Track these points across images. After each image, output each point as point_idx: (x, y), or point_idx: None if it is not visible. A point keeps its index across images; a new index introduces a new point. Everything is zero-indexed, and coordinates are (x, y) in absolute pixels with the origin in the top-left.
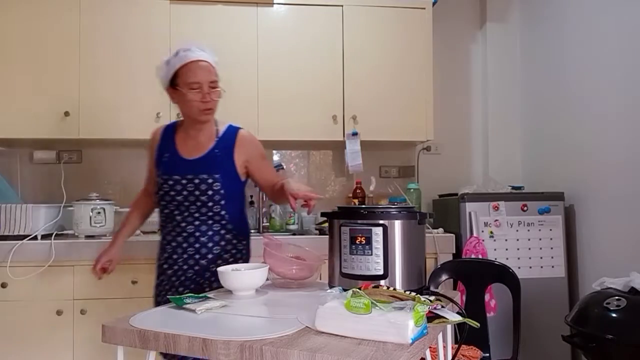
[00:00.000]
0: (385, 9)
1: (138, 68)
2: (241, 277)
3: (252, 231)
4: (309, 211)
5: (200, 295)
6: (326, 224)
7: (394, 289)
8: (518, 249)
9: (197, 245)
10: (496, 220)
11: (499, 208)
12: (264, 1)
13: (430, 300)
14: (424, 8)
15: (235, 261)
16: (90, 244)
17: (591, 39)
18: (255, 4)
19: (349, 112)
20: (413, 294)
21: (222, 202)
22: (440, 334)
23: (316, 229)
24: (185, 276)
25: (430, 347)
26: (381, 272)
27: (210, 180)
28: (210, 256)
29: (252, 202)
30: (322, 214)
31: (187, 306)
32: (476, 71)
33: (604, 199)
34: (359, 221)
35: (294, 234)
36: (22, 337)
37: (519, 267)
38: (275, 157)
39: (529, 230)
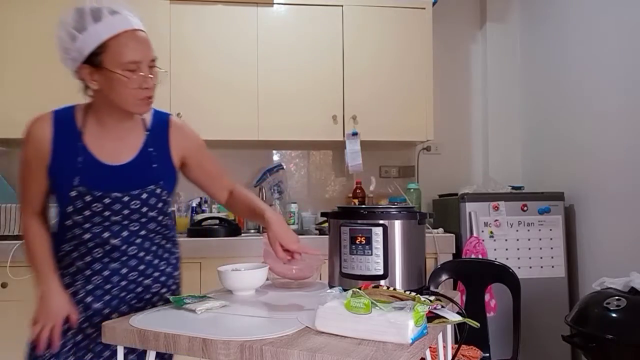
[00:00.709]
0: (385, 9)
1: None
2: (241, 277)
3: (252, 231)
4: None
5: (200, 295)
6: (326, 224)
7: (394, 289)
8: (518, 249)
9: (141, 267)
10: (496, 220)
11: (499, 208)
12: (264, 1)
13: (430, 300)
14: (424, 8)
15: (175, 270)
16: None
17: (591, 38)
18: (255, 4)
19: (349, 112)
20: (413, 294)
21: (169, 211)
22: (440, 334)
23: (316, 229)
24: (122, 303)
25: (430, 347)
26: (381, 272)
27: (158, 191)
28: (156, 274)
29: None
30: (322, 214)
31: (187, 306)
32: (476, 71)
33: (604, 199)
34: (359, 221)
35: None
36: (22, 337)
37: (519, 267)
38: (275, 157)
39: (529, 230)
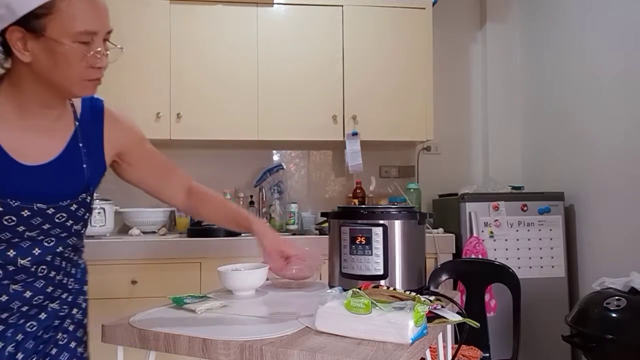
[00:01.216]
0: (385, 9)
1: (138, 68)
2: (241, 277)
3: None
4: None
5: (200, 295)
6: (326, 224)
7: (394, 289)
8: (518, 249)
9: (49, 290)
10: (496, 220)
11: (499, 208)
12: (264, 1)
13: (430, 300)
14: (424, 8)
15: (83, 284)
16: (90, 244)
17: (591, 38)
18: (255, 4)
19: (349, 112)
20: (413, 294)
21: (89, 220)
22: (440, 334)
23: (316, 229)
24: (22, 333)
25: (430, 347)
26: (381, 272)
27: (89, 199)
28: (64, 295)
29: (251, 202)
30: (322, 214)
31: (187, 306)
32: (476, 71)
33: (604, 199)
34: (359, 221)
35: (294, 234)
36: None
37: (519, 267)
38: (275, 157)
39: (529, 230)
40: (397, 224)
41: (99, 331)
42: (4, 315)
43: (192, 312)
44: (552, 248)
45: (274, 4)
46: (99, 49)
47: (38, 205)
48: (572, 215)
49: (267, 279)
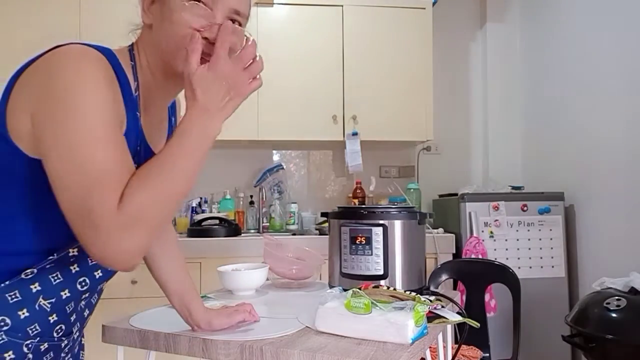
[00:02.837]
0: (385, 9)
1: None
2: (241, 277)
3: (252, 231)
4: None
5: (200, 295)
6: (326, 224)
7: (394, 289)
8: (518, 249)
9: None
10: (496, 220)
11: (499, 208)
12: (264, 1)
13: (430, 300)
14: (424, 8)
15: None
16: None
17: (591, 38)
18: (255, 4)
19: (349, 112)
20: (413, 294)
21: None
22: (440, 334)
23: (316, 229)
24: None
25: (430, 347)
26: (381, 272)
27: None
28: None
29: (252, 202)
30: (322, 214)
31: None
32: (476, 71)
33: (604, 199)
34: (359, 221)
35: (294, 234)
36: None
37: (519, 267)
38: (275, 157)
39: (529, 230)
40: (397, 224)
41: (99, 331)
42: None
43: None
44: (552, 248)
45: (274, 4)
46: (215, 17)
47: None
48: (572, 215)
49: (267, 279)
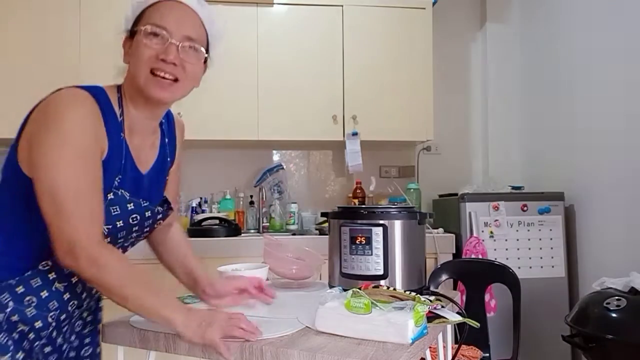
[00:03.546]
0: (385, 9)
1: None
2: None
3: (252, 231)
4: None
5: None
6: (326, 224)
7: (394, 289)
8: (518, 249)
9: None
10: (496, 220)
11: (499, 208)
12: (264, 1)
13: (430, 300)
14: (424, 8)
15: None
16: None
17: (591, 38)
18: (255, 4)
19: (349, 112)
20: (413, 294)
21: None
22: (440, 334)
23: (316, 229)
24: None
25: (430, 347)
26: (381, 272)
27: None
28: None
29: (252, 202)
30: (322, 214)
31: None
32: (476, 71)
33: (604, 199)
34: (359, 221)
35: (294, 234)
36: None
37: (519, 267)
38: (275, 157)
39: (529, 230)
40: (397, 224)
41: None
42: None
43: None
44: (552, 248)
45: (274, 4)
46: (169, 41)
47: (157, 207)
48: (572, 215)
49: (267, 279)
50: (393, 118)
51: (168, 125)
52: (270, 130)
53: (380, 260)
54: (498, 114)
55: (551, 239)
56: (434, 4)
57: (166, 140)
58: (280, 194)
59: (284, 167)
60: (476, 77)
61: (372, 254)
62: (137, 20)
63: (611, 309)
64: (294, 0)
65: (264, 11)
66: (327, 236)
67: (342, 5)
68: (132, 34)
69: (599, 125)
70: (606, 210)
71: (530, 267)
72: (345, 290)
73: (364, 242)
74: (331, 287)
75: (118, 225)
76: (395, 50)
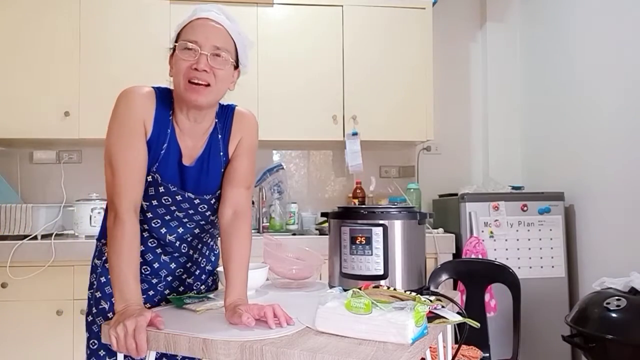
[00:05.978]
0: (385, 9)
1: (139, 68)
2: None
3: (252, 231)
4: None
5: (201, 295)
6: (326, 224)
7: (394, 289)
8: (518, 249)
9: (188, 265)
10: (496, 220)
11: (499, 208)
12: (264, 1)
13: (431, 300)
14: (424, 8)
15: (214, 267)
16: (90, 244)
17: (591, 38)
18: (255, 4)
19: (349, 112)
20: (413, 294)
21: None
22: (440, 334)
23: (316, 229)
24: (163, 300)
25: (430, 347)
26: (381, 272)
27: (218, 193)
28: (198, 272)
29: (252, 202)
30: (322, 214)
31: (187, 306)
32: (476, 71)
33: (604, 199)
34: (359, 221)
35: (294, 234)
36: (22, 337)
37: (519, 267)
38: (276, 157)
39: (529, 230)
40: (397, 224)
41: None
42: (154, 281)
43: (192, 312)
44: (552, 248)
45: (274, 4)
46: (200, 53)
47: (188, 194)
48: (572, 215)
49: (267, 279)
50: (393, 118)
51: (224, 123)
52: (270, 130)
53: (380, 260)
54: (498, 114)
55: (551, 239)
56: (434, 4)
57: (219, 136)
58: (280, 194)
59: (284, 167)
60: (476, 77)
61: (372, 254)
62: (177, 39)
63: (611, 309)
64: (294, 0)
65: (264, 11)
66: (327, 236)
67: (342, 5)
68: (173, 50)
69: (599, 125)
70: (606, 210)
71: (530, 267)
72: (345, 290)
73: (364, 242)
74: (331, 287)
75: (154, 204)
76: (395, 50)
